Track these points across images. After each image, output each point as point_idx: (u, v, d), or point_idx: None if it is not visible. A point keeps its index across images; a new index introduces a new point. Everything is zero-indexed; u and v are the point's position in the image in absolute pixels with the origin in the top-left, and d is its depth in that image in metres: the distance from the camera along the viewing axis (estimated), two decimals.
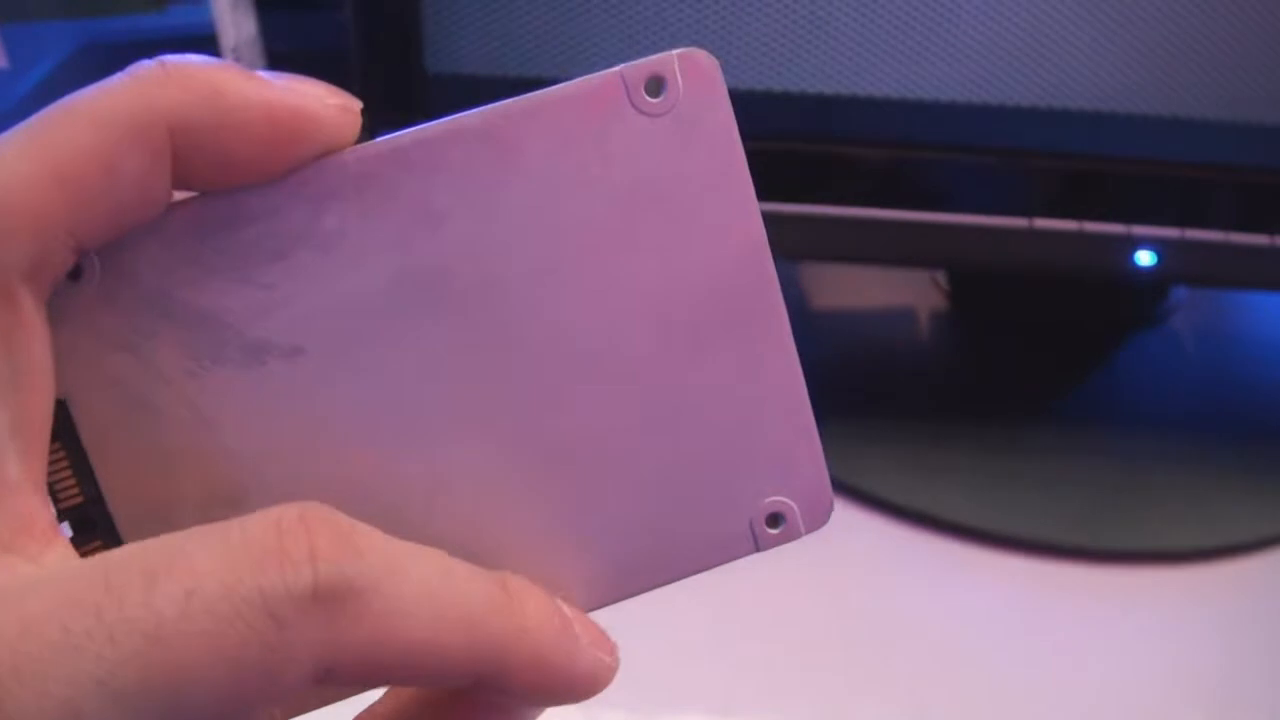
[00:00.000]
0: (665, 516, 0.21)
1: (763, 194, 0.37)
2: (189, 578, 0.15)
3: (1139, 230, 0.43)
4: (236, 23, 0.44)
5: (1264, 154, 0.42)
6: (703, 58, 0.20)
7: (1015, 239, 0.44)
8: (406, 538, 0.17)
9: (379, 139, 0.19)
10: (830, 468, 0.51)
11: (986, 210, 0.43)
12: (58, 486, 0.19)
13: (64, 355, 0.18)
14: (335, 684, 0.16)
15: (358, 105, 0.19)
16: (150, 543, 0.16)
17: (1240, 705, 0.39)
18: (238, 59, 0.44)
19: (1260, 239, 0.43)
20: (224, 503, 0.19)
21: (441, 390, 0.19)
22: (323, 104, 0.19)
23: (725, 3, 0.40)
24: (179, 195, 0.19)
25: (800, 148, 0.43)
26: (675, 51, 0.20)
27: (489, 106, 0.19)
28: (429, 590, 0.16)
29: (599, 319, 0.20)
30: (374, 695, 0.20)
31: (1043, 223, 0.43)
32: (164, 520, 0.19)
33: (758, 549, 0.21)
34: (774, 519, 0.21)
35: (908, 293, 0.57)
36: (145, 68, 0.17)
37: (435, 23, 0.42)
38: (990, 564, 0.44)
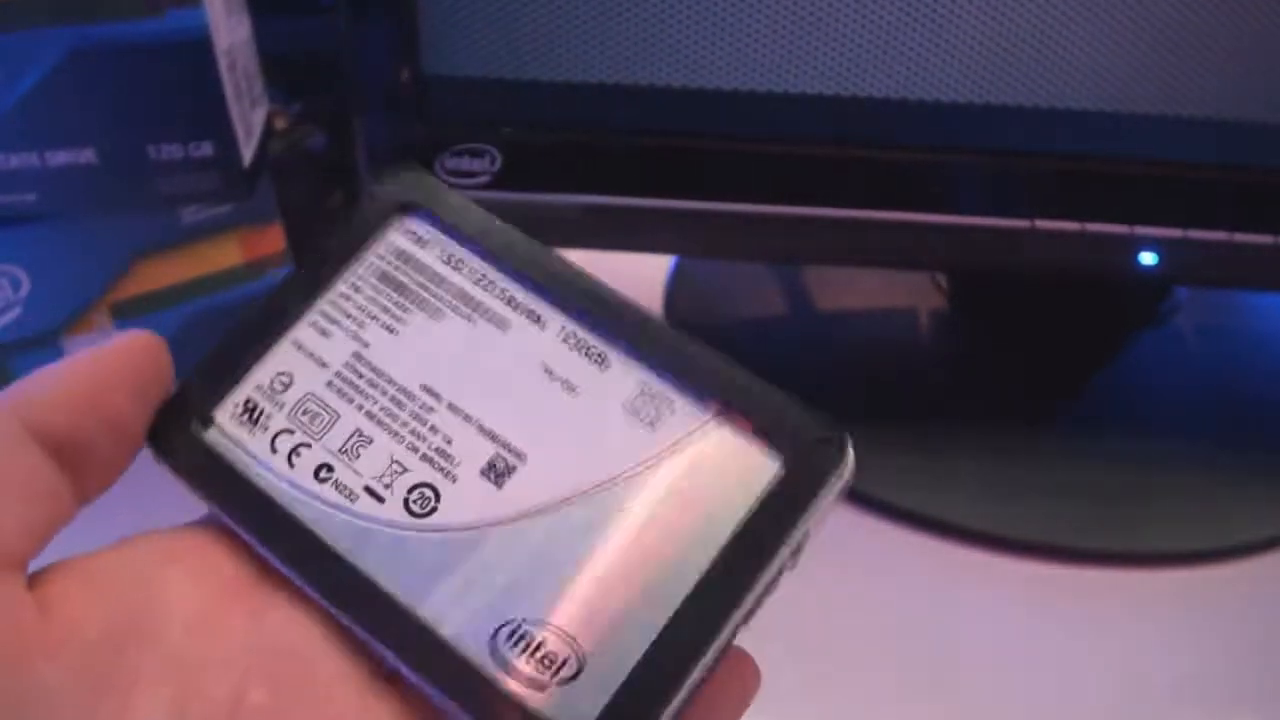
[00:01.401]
0: None
1: (765, 197, 0.38)
2: None
3: (1141, 230, 0.43)
4: (230, 27, 0.44)
5: (1267, 154, 0.41)
6: None
7: (1017, 240, 0.43)
8: None
9: None
10: None
11: (988, 211, 0.43)
12: None
13: None
14: None
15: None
16: None
17: (1247, 706, 0.39)
18: (232, 63, 0.43)
19: (1263, 239, 0.43)
20: None
21: None
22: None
23: (728, 4, 0.40)
24: None
25: (801, 150, 0.43)
26: None
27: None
28: None
29: None
30: None
31: (1044, 223, 0.43)
32: None
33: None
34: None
35: (908, 294, 0.57)
36: None
37: (431, 24, 0.41)
38: (992, 567, 0.44)
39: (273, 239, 0.49)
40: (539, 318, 0.25)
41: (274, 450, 0.24)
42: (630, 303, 0.25)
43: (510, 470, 0.23)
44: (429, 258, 0.26)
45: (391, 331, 0.25)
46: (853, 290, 0.57)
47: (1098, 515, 0.46)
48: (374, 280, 0.26)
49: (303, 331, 0.25)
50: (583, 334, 0.25)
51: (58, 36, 0.40)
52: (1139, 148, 0.42)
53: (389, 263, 0.26)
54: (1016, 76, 0.41)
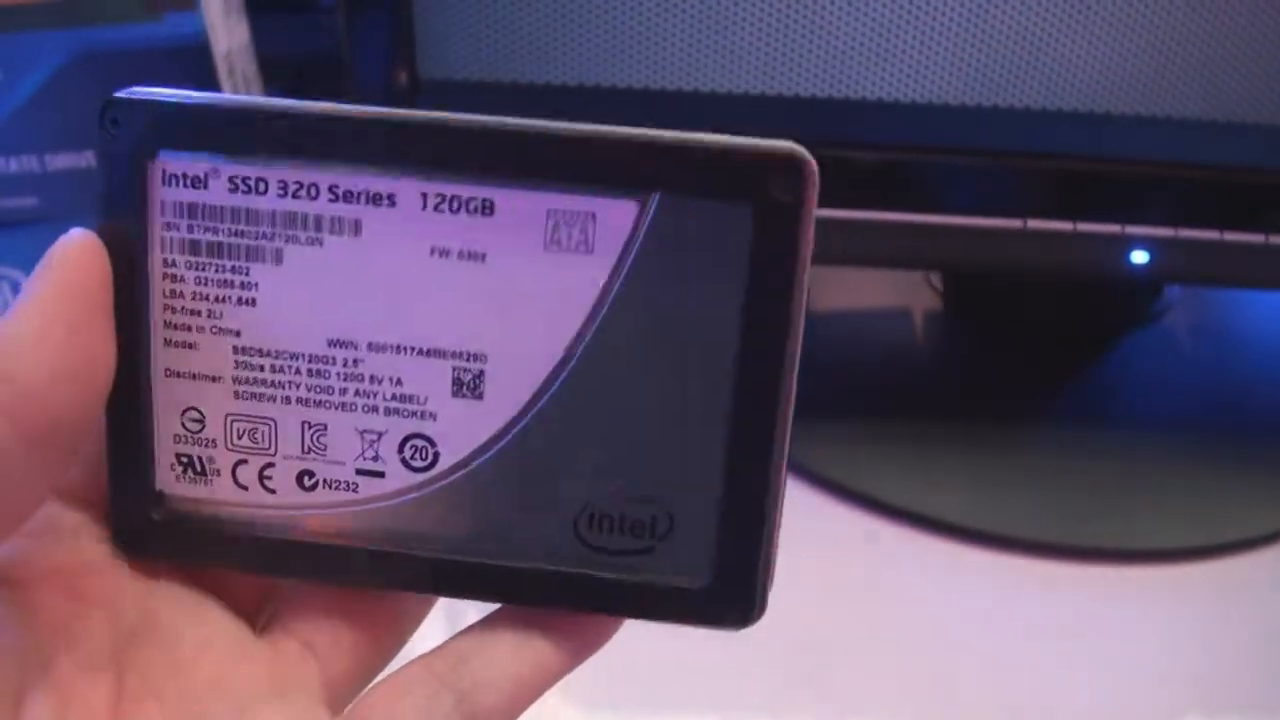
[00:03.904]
0: None
1: None
2: None
3: (1133, 230, 0.43)
4: (229, 29, 0.44)
5: (1256, 153, 0.42)
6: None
7: (1010, 240, 0.44)
8: None
9: None
10: (826, 468, 0.51)
11: (981, 211, 0.43)
12: None
13: None
14: None
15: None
16: None
17: (1237, 701, 0.39)
18: (230, 66, 0.44)
19: (1253, 237, 0.43)
20: None
21: None
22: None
23: (718, 6, 0.40)
24: None
25: None
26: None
27: None
28: None
29: None
30: None
31: (1037, 223, 0.43)
32: None
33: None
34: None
35: (902, 294, 0.57)
36: None
37: (427, 28, 0.42)
38: (985, 564, 0.44)
39: None
40: (386, 197, 0.20)
41: (242, 486, 0.21)
42: (464, 120, 0.20)
43: (480, 377, 0.20)
44: (218, 196, 0.20)
45: (249, 303, 0.20)
46: (846, 291, 0.58)
47: (1091, 512, 0.46)
48: (186, 257, 0.20)
49: (166, 357, 0.21)
50: (446, 189, 0.20)
51: (58, 41, 0.40)
52: (1130, 148, 0.42)
53: (183, 228, 0.20)
54: (1008, 78, 0.41)
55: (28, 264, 0.44)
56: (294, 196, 0.20)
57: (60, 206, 0.43)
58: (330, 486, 0.21)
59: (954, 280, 0.56)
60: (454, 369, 0.20)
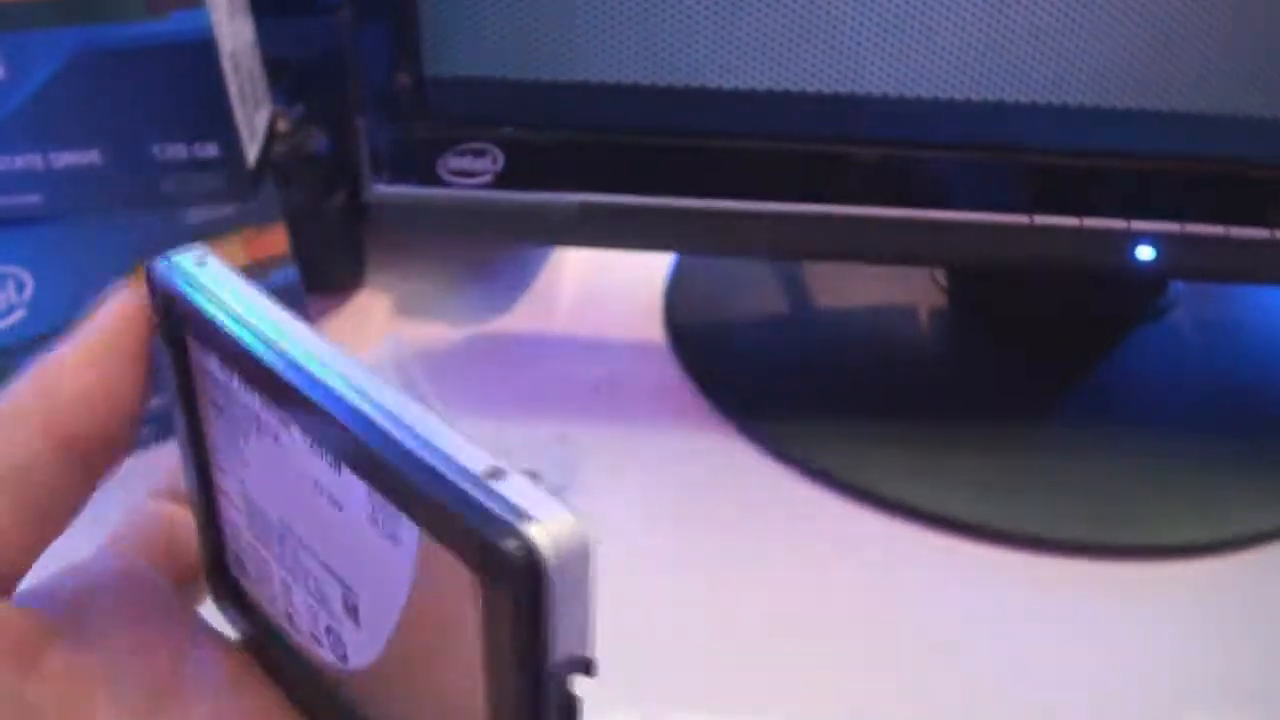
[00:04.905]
0: None
1: (765, 194, 0.38)
2: None
3: (1139, 225, 0.43)
4: (234, 29, 0.44)
5: (1263, 148, 0.42)
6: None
7: (1016, 235, 0.44)
8: None
9: None
10: (831, 467, 0.51)
11: (987, 207, 0.44)
12: None
13: None
14: None
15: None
16: None
17: (1246, 699, 0.39)
18: (236, 65, 0.44)
19: (1259, 233, 0.43)
20: None
21: None
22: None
23: (724, 3, 0.40)
24: None
25: (799, 147, 0.43)
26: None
27: None
28: None
29: None
30: None
31: (1043, 219, 0.43)
32: None
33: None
34: None
35: (908, 291, 0.57)
36: None
37: (432, 26, 0.42)
38: (993, 561, 0.45)
39: (276, 240, 0.49)
40: (287, 421, 0.20)
41: (269, 603, 0.24)
42: (321, 398, 0.19)
43: (356, 606, 0.21)
44: (218, 372, 0.22)
45: (245, 462, 0.23)
46: (852, 288, 0.58)
47: (1097, 509, 0.46)
48: (214, 409, 0.23)
49: (215, 473, 0.24)
50: (310, 432, 0.20)
51: (62, 38, 0.40)
52: (1136, 143, 0.42)
53: (208, 388, 0.23)
54: (1014, 72, 0.41)
55: (32, 261, 0.44)
56: (247, 393, 0.21)
57: (64, 204, 0.43)
58: (303, 634, 0.23)
59: (959, 277, 0.56)
60: (342, 592, 0.21)
